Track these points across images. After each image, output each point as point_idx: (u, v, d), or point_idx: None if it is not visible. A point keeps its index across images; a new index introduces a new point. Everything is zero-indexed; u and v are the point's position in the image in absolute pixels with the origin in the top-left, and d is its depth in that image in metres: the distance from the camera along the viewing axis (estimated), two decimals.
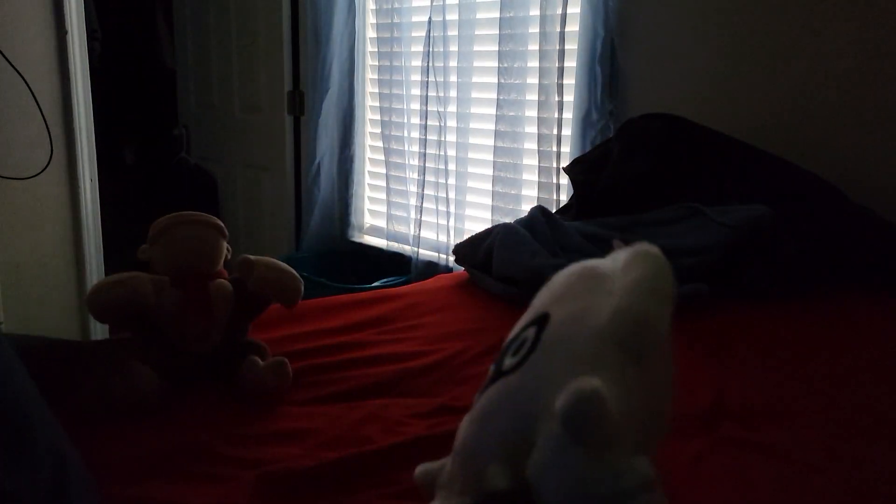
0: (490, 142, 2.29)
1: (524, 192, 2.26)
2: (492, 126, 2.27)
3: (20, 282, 2.12)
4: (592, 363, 0.58)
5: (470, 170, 2.43)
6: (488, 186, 2.35)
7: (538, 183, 2.20)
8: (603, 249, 1.51)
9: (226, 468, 0.85)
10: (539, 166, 2.18)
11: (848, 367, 1.17)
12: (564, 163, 1.93)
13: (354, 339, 1.23)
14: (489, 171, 2.33)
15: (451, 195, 2.44)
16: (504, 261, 1.46)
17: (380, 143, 2.64)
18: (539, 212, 1.54)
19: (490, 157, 2.31)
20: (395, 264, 2.61)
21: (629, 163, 1.60)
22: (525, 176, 2.25)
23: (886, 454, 0.90)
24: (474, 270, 1.54)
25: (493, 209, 2.33)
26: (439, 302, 1.45)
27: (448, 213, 2.46)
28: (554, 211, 1.86)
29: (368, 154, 2.79)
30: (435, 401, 1.04)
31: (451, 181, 2.44)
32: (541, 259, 1.43)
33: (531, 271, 1.42)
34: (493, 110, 2.25)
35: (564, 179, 2.10)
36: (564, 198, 2.10)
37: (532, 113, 2.15)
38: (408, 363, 1.15)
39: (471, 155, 2.41)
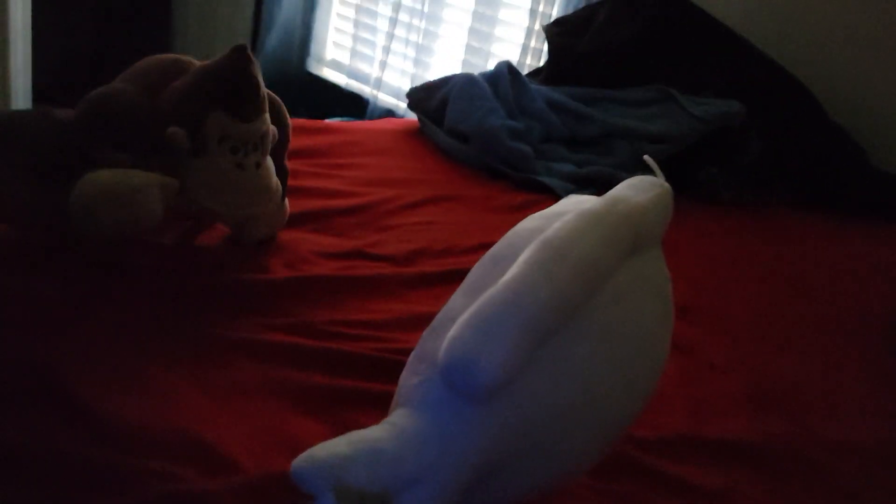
0: None
1: (494, 48, 2.10)
2: None
3: None
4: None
5: (445, 15, 2.24)
6: (464, 38, 2.18)
7: (522, 46, 2.04)
8: (564, 121, 1.43)
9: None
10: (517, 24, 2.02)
11: (778, 281, 1.15)
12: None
13: None
14: (468, 21, 2.16)
15: (422, 40, 2.26)
16: (457, 113, 1.36)
17: None
18: (506, 67, 1.42)
19: (471, 3, 2.12)
20: (351, 105, 2.46)
21: (613, 31, 1.47)
22: (498, 31, 2.09)
23: (778, 365, 0.90)
24: (425, 119, 1.43)
25: (464, 63, 2.18)
26: (381, 145, 1.35)
27: (416, 60, 2.29)
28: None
29: None
30: (349, 243, 0.97)
31: (424, 25, 2.25)
32: (496, 119, 1.33)
33: (483, 130, 1.32)
34: None
35: (538, 43, 1.95)
36: (535, 63, 1.96)
37: None
38: (330, 200, 1.07)
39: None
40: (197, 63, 0.89)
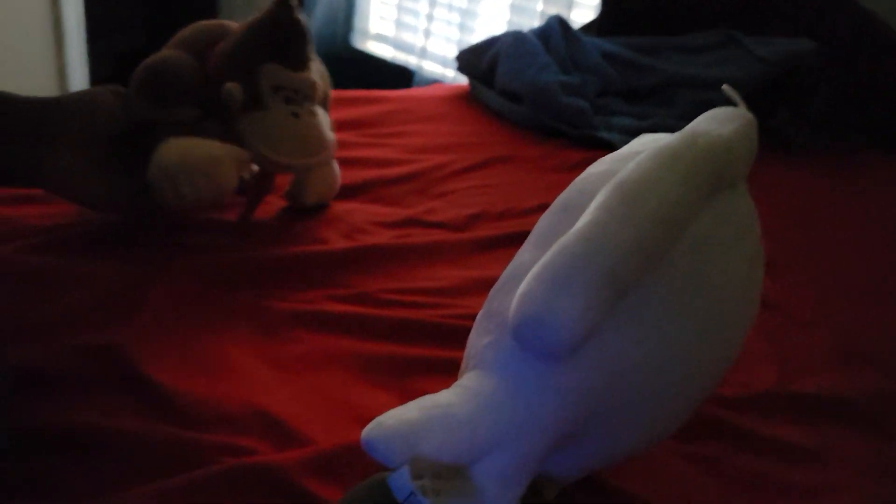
0: None
1: (539, 6, 2.03)
2: None
3: None
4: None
5: None
6: None
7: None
8: (621, 73, 1.37)
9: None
10: None
11: (860, 229, 1.07)
12: None
13: None
14: None
15: (466, 5, 2.21)
16: (508, 72, 1.31)
17: None
18: (556, 22, 1.36)
19: None
20: (398, 77, 2.43)
21: None
22: None
23: (868, 318, 0.84)
24: (475, 81, 1.39)
25: (510, 24, 2.12)
26: (431, 111, 1.31)
27: (461, 25, 2.23)
28: None
29: None
30: (405, 211, 0.94)
31: None
32: (549, 75, 1.28)
33: (537, 87, 1.27)
34: None
35: None
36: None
37: None
38: (383, 169, 1.05)
39: None
40: None
